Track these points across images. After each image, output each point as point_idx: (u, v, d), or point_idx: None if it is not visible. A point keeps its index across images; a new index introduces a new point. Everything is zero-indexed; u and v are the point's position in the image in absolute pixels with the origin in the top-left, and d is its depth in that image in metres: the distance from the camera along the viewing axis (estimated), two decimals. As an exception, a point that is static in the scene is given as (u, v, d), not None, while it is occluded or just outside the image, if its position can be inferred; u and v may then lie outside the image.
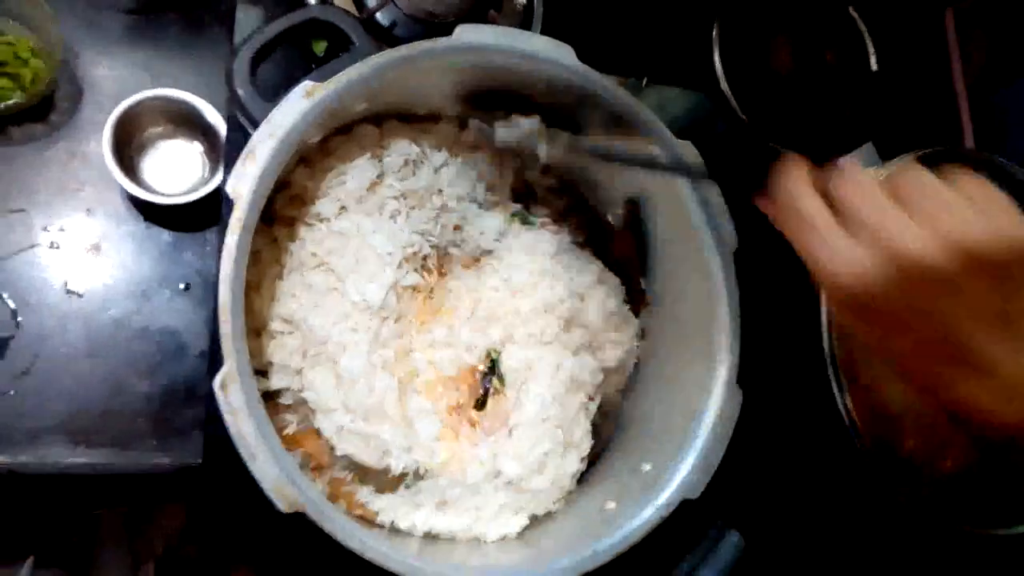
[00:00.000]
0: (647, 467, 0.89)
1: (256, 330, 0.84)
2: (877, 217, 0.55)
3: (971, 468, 0.98)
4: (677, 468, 0.85)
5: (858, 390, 0.93)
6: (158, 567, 1.29)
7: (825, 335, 0.94)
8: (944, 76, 1.28)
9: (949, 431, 0.97)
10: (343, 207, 0.87)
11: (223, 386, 0.69)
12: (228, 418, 0.69)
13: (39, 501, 1.05)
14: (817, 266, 0.57)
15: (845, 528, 1.03)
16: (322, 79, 0.77)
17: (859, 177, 0.57)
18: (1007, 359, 0.55)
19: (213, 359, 0.87)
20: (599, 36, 1.00)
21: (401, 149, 0.90)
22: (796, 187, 0.59)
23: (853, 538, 1.03)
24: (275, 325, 0.84)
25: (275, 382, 0.84)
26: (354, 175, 0.87)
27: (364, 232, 0.85)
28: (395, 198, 0.88)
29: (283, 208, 0.87)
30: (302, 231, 0.86)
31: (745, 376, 0.87)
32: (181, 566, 1.29)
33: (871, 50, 1.15)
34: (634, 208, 0.99)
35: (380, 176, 0.89)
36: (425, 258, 0.91)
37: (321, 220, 0.87)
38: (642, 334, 0.99)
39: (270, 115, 0.75)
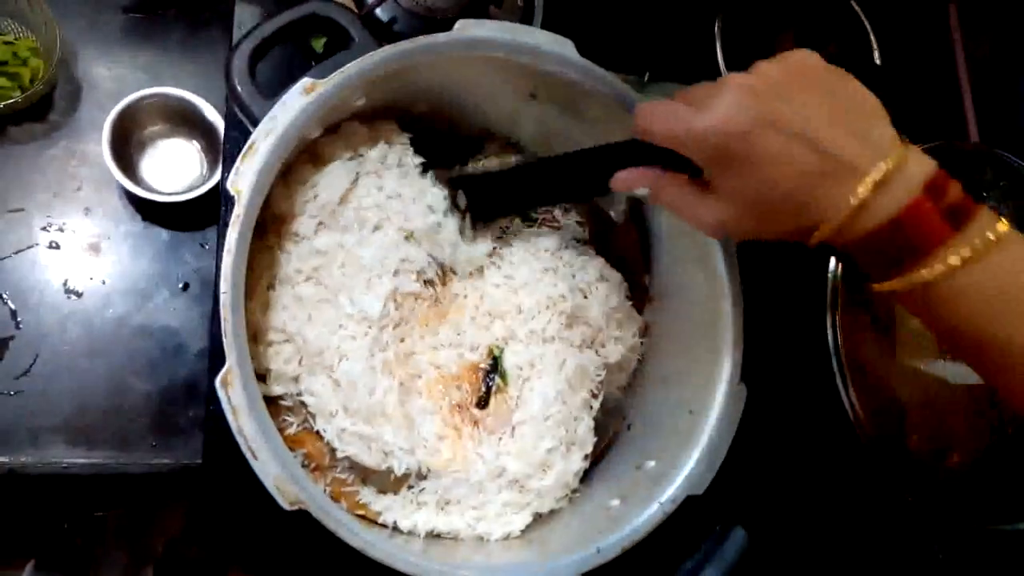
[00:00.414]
0: (651, 464, 0.89)
1: (252, 336, 0.83)
2: (685, 113, 0.66)
3: (977, 463, 0.97)
4: (681, 465, 0.85)
5: (863, 385, 0.92)
6: (158, 568, 1.29)
7: (830, 330, 0.93)
8: (948, 70, 1.27)
9: (955, 426, 0.97)
10: (320, 223, 0.86)
11: (224, 383, 0.69)
12: (229, 416, 0.69)
13: (40, 502, 1.05)
14: (692, 126, 0.64)
15: (850, 524, 1.03)
16: (321, 75, 0.77)
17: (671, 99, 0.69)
18: (860, 153, 0.63)
19: (213, 358, 0.86)
20: (600, 32, 1.00)
21: (381, 147, 0.89)
22: (656, 104, 0.69)
23: (858, 534, 1.03)
24: (270, 335, 0.83)
25: (274, 388, 0.83)
26: (325, 186, 0.85)
27: (348, 247, 0.84)
28: (376, 206, 0.87)
29: (270, 223, 0.87)
30: (288, 246, 0.85)
31: (749, 372, 0.86)
32: (181, 567, 1.29)
33: (874, 44, 1.15)
34: (636, 203, 0.98)
35: (355, 181, 0.87)
36: (421, 272, 0.90)
37: (301, 238, 0.86)
38: (645, 330, 0.99)
39: (270, 112, 0.74)
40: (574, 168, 0.84)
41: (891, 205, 0.61)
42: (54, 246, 0.99)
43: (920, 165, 0.63)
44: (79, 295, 0.99)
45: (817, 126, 0.62)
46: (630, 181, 0.75)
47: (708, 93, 0.64)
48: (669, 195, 0.72)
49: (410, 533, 0.85)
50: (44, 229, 1.00)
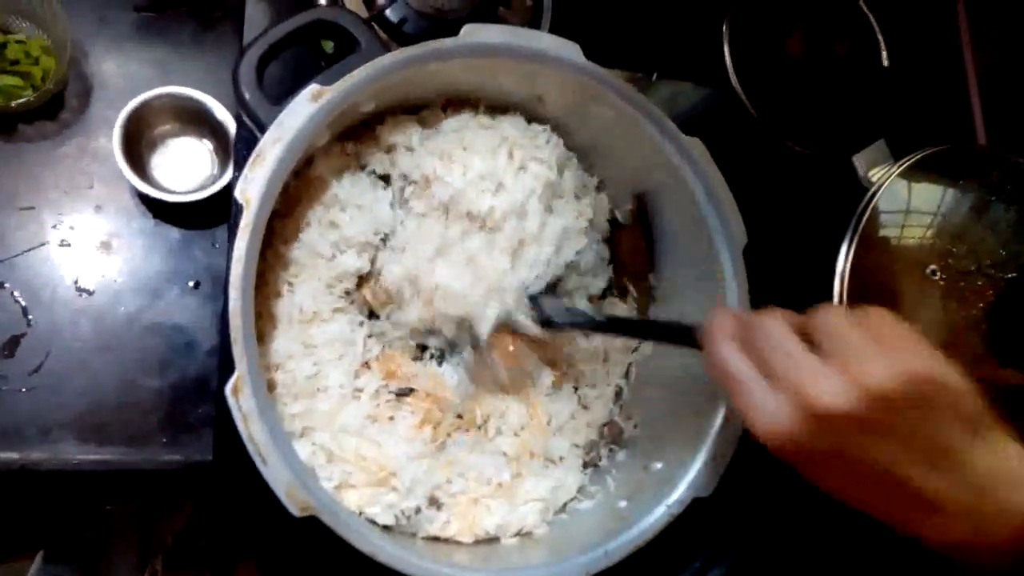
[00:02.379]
0: (658, 465, 0.90)
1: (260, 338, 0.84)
2: (787, 368, 0.57)
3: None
4: (688, 466, 0.85)
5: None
6: (167, 561, 1.30)
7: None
8: (956, 71, 1.27)
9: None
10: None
11: (235, 390, 0.69)
12: (240, 423, 0.69)
13: (50, 497, 1.06)
14: (748, 421, 0.59)
15: (858, 524, 1.03)
16: (328, 82, 0.77)
17: (770, 327, 0.60)
18: (948, 493, 0.56)
19: (223, 358, 0.87)
20: (609, 30, 1.00)
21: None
22: (720, 348, 0.62)
23: (867, 532, 1.03)
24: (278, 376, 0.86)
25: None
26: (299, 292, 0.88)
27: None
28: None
29: (279, 229, 0.89)
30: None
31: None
32: (190, 560, 1.30)
33: (882, 45, 1.15)
34: (642, 203, 0.98)
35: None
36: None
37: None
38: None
39: (278, 119, 0.75)
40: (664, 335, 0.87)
41: None
42: (65, 244, 1.00)
43: None
44: (90, 293, 0.99)
45: (905, 464, 0.56)
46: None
47: (785, 370, 0.57)
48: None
49: (414, 535, 0.86)
50: (55, 227, 1.00)
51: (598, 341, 0.98)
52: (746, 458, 0.86)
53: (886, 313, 0.58)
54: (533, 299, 0.90)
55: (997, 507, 0.56)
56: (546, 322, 0.89)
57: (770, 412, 0.57)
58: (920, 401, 0.54)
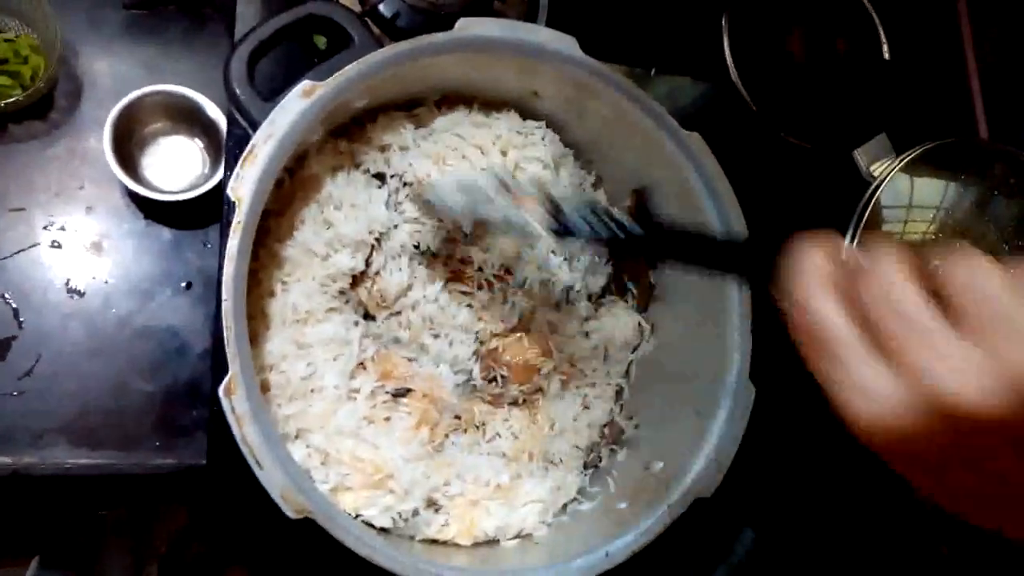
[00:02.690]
0: (659, 465, 0.89)
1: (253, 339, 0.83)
2: (910, 341, 0.41)
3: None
4: (689, 466, 0.84)
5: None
6: (161, 567, 1.29)
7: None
8: (957, 65, 1.26)
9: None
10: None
11: (228, 391, 0.68)
12: (233, 425, 0.68)
13: (44, 501, 1.05)
14: (837, 398, 0.44)
15: (862, 524, 1.02)
16: (320, 78, 0.76)
17: (892, 274, 0.42)
18: None
19: (216, 360, 0.86)
20: (608, 25, 0.99)
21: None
22: (812, 288, 0.45)
23: (870, 534, 1.02)
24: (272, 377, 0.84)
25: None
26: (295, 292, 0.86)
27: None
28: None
29: (272, 228, 0.87)
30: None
31: (757, 371, 0.86)
32: (184, 566, 1.29)
33: (883, 39, 1.14)
34: (641, 198, 0.97)
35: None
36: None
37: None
38: (651, 328, 0.98)
39: (270, 116, 0.74)
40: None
41: None
42: (56, 245, 0.99)
43: None
44: (81, 295, 0.98)
45: None
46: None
47: (906, 340, 0.41)
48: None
49: (412, 538, 0.85)
50: (46, 228, 0.99)
51: (598, 339, 0.96)
52: (749, 458, 0.85)
53: None
54: (551, 200, 0.74)
55: None
56: (561, 230, 0.72)
57: (878, 397, 0.41)
58: None
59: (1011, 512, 0.44)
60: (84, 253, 0.99)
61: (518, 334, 0.92)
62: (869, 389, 0.42)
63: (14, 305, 0.96)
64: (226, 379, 0.68)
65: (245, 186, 0.71)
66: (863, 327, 0.43)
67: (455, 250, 0.89)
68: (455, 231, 0.88)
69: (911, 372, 0.40)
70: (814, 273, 0.45)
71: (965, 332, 0.39)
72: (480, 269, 0.89)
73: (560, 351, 0.93)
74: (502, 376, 0.90)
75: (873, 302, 0.42)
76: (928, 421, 0.40)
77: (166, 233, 1.02)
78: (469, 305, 0.89)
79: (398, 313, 0.89)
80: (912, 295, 0.41)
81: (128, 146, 1.01)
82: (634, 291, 0.99)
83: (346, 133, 0.89)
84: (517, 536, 0.88)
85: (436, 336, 0.89)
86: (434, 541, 0.86)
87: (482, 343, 0.91)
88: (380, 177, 0.90)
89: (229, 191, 0.71)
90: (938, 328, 0.40)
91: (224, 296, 0.69)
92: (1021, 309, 0.39)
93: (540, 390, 0.94)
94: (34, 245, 0.98)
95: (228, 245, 0.70)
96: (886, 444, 0.43)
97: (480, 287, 0.89)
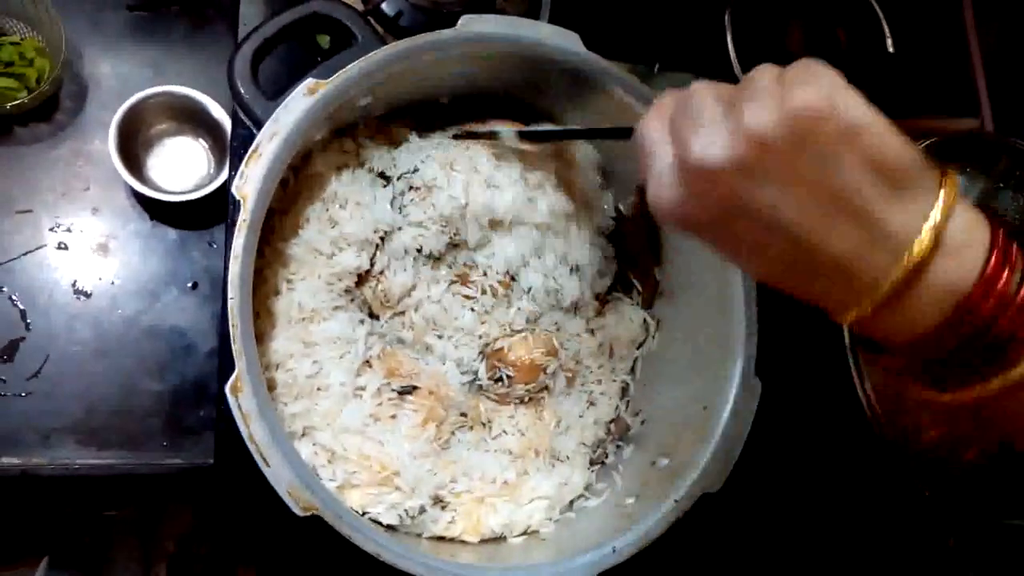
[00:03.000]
0: (665, 461, 0.88)
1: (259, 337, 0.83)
2: (682, 127, 0.51)
3: (994, 458, 0.96)
4: (696, 461, 0.84)
5: (879, 378, 0.91)
6: (170, 567, 1.29)
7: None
8: (961, 57, 1.26)
9: (971, 420, 0.96)
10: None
11: (234, 390, 0.68)
12: (240, 423, 0.68)
13: (52, 502, 1.05)
14: (650, 201, 0.55)
15: (866, 517, 1.02)
16: (324, 76, 0.76)
17: (697, 91, 0.52)
18: (855, 254, 0.49)
19: (222, 360, 0.86)
20: (610, 21, 0.99)
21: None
22: (648, 117, 0.56)
23: (874, 529, 1.02)
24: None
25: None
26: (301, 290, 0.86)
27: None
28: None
29: (278, 226, 0.87)
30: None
31: (763, 366, 0.85)
32: (193, 566, 1.29)
33: (887, 31, 1.13)
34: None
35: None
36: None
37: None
38: (657, 324, 0.98)
39: (274, 114, 0.74)
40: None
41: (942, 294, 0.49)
42: (62, 247, 0.99)
43: (977, 228, 0.49)
44: (88, 296, 0.99)
45: (795, 221, 0.49)
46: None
47: (674, 130, 0.52)
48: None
49: (419, 535, 0.85)
50: (52, 230, 0.99)
51: (603, 337, 0.96)
52: (755, 452, 0.85)
53: (815, 60, 0.50)
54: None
55: (917, 276, 0.48)
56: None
57: (661, 181, 0.53)
58: (811, 142, 0.47)
59: (790, 263, 0.52)
60: (90, 254, 1.00)
61: (523, 333, 0.91)
62: (662, 173, 0.53)
63: (21, 306, 0.97)
64: (232, 377, 0.68)
65: (250, 184, 0.72)
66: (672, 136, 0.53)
67: (459, 255, 0.89)
68: (458, 236, 0.88)
69: (676, 149, 0.52)
70: (655, 108, 0.56)
71: (721, 108, 0.50)
72: (484, 274, 0.89)
73: (565, 349, 0.93)
74: (508, 376, 0.90)
75: (677, 111, 0.53)
76: (688, 185, 0.51)
77: (172, 233, 1.02)
78: (472, 309, 0.89)
79: (402, 313, 0.89)
80: (707, 96, 0.51)
81: (133, 147, 1.01)
82: (639, 287, 0.99)
83: (351, 132, 0.89)
84: (524, 533, 0.88)
85: (440, 337, 0.89)
86: (440, 538, 0.86)
87: (487, 344, 0.91)
88: (385, 177, 0.90)
89: (234, 190, 0.71)
90: (708, 114, 0.50)
91: (230, 294, 0.69)
92: (765, 81, 0.49)
93: (546, 388, 0.93)
94: (40, 247, 0.99)
95: (234, 243, 0.70)
96: (673, 214, 0.53)
97: (484, 292, 0.89)
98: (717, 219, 0.52)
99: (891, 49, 1.13)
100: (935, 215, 0.48)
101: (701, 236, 0.55)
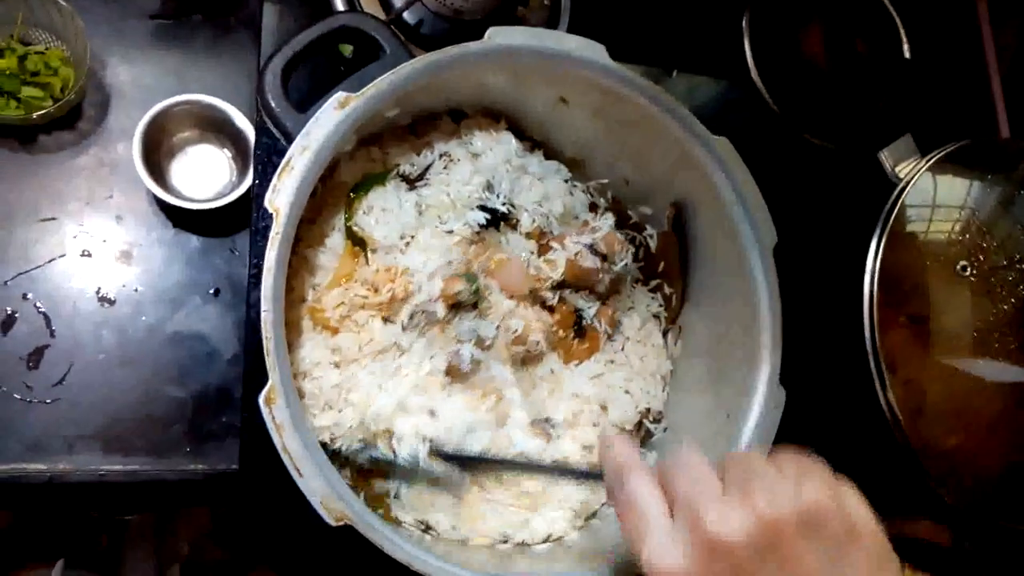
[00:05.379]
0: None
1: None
2: (689, 495, 0.56)
3: (1016, 465, 0.97)
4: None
5: (900, 386, 0.92)
6: (184, 570, 1.30)
7: (867, 329, 0.93)
8: (978, 63, 1.26)
9: (990, 425, 0.96)
10: None
11: (267, 401, 0.69)
12: (274, 434, 0.69)
13: (77, 507, 1.06)
14: (641, 555, 0.57)
15: (887, 524, 1.02)
16: (353, 88, 0.77)
17: (688, 457, 0.59)
18: None
19: (247, 367, 0.86)
20: (628, 24, 0.99)
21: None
22: (638, 482, 0.60)
23: (894, 535, 1.02)
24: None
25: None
26: None
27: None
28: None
29: (304, 236, 0.88)
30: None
31: (787, 374, 0.86)
32: (207, 569, 1.30)
33: (904, 38, 1.14)
34: (678, 211, 0.97)
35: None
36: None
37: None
38: (680, 331, 0.98)
39: (305, 128, 0.74)
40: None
41: None
42: (86, 254, 0.99)
43: None
44: (112, 303, 0.99)
45: None
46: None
47: (687, 502, 0.56)
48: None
49: (444, 541, 0.86)
50: (76, 237, 1.00)
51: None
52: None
53: (800, 453, 0.59)
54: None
55: None
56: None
57: (664, 543, 0.56)
58: (820, 532, 0.54)
59: None
60: (114, 262, 1.00)
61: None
62: (661, 538, 0.56)
63: (46, 314, 0.97)
64: (266, 389, 0.69)
65: (282, 198, 0.72)
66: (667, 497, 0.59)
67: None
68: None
69: (689, 518, 0.55)
70: (639, 468, 0.61)
71: (732, 490, 0.55)
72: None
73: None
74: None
75: (678, 477, 0.58)
76: (700, 555, 0.54)
77: (194, 241, 1.03)
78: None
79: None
80: (702, 465, 0.58)
81: (156, 155, 1.02)
82: (665, 294, 0.99)
83: (378, 140, 0.90)
84: (548, 540, 0.89)
85: None
86: (465, 544, 0.86)
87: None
88: (409, 181, 0.91)
89: (267, 203, 0.72)
90: (712, 485, 0.56)
91: (263, 307, 0.70)
92: (769, 470, 0.56)
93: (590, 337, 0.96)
94: (64, 255, 0.99)
95: (267, 256, 0.71)
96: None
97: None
98: None
99: (908, 55, 1.14)
100: None
101: None
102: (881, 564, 0.55)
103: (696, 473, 0.57)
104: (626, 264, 0.95)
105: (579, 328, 0.95)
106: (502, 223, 0.91)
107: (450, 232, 0.88)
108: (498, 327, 0.88)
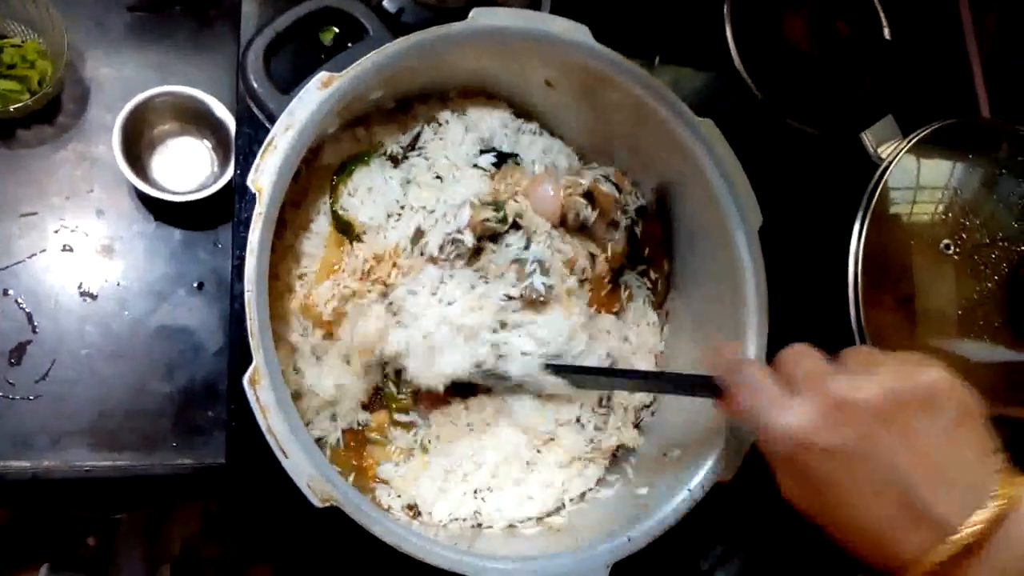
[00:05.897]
0: (676, 452, 0.89)
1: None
2: (811, 371, 0.63)
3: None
4: (708, 451, 0.84)
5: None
6: (174, 569, 1.29)
7: (852, 310, 0.93)
8: (958, 44, 1.26)
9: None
10: None
11: (252, 382, 0.68)
12: (259, 415, 0.68)
13: (62, 505, 1.05)
14: (769, 422, 0.63)
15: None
16: (337, 69, 0.76)
17: (798, 347, 0.67)
18: (953, 516, 0.57)
19: (232, 358, 0.86)
20: (610, 14, 0.99)
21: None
22: (754, 368, 0.68)
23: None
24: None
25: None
26: None
27: None
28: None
29: (289, 220, 0.87)
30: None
31: (773, 355, 0.86)
32: (198, 569, 1.29)
33: (884, 20, 1.14)
34: (662, 195, 0.97)
35: None
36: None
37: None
38: (666, 316, 0.98)
39: (288, 107, 0.74)
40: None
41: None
42: (68, 249, 0.99)
43: None
44: (94, 297, 0.98)
45: (910, 471, 0.58)
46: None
47: (810, 377, 0.63)
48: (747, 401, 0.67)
49: (439, 523, 0.86)
50: (57, 232, 0.99)
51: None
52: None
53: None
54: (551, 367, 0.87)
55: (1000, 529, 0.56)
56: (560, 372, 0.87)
57: (792, 409, 0.62)
58: (939, 409, 0.58)
59: (884, 511, 0.59)
60: (96, 256, 1.00)
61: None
62: (786, 406, 0.63)
63: (28, 309, 0.96)
64: (250, 369, 0.68)
65: (265, 177, 0.72)
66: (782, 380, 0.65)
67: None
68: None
69: (813, 388, 0.62)
70: (752, 364, 0.70)
71: (857, 368, 0.62)
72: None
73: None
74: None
75: (792, 358, 0.66)
76: (828, 415, 0.60)
77: (177, 234, 1.02)
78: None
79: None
80: (813, 352, 0.65)
81: (137, 148, 1.01)
82: (650, 280, 0.99)
83: (364, 121, 0.90)
84: (539, 522, 0.88)
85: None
86: (456, 523, 0.86)
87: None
88: (394, 159, 0.90)
89: (249, 182, 0.71)
90: (830, 365, 0.64)
91: (247, 287, 0.69)
92: (889, 357, 0.62)
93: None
94: (45, 250, 0.98)
95: (250, 237, 0.70)
96: (806, 435, 0.61)
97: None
98: (842, 451, 0.60)
99: (888, 36, 1.14)
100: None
101: (812, 474, 0.62)
102: (986, 446, 0.59)
103: (817, 356, 0.65)
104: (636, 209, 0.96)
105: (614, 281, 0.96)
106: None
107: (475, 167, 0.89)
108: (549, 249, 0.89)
